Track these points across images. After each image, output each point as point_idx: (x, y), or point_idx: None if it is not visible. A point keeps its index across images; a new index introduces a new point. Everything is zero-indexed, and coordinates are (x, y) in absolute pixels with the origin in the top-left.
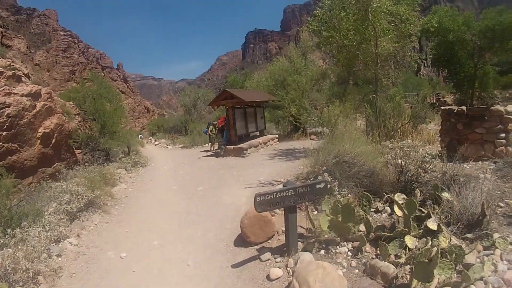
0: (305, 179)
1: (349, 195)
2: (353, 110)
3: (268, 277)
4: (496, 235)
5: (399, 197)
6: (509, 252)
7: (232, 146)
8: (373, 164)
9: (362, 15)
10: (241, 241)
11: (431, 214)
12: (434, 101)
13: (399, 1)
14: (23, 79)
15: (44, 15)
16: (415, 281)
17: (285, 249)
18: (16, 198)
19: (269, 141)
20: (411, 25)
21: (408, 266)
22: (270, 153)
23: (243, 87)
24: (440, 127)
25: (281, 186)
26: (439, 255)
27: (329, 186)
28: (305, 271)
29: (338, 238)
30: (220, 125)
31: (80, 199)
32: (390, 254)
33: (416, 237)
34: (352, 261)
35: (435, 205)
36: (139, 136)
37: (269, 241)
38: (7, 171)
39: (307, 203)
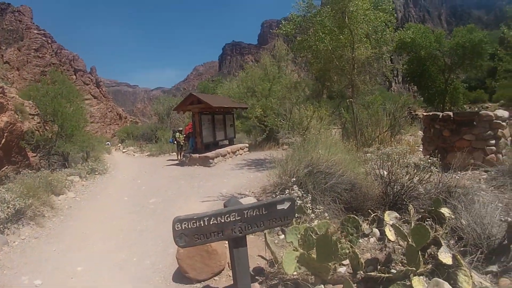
0: (271, 192)
1: (326, 214)
2: (328, 117)
3: None
4: None
5: (390, 216)
6: None
7: (198, 155)
8: (354, 175)
9: (339, 18)
10: (181, 275)
11: (441, 241)
12: (405, 114)
13: (376, 7)
14: None
15: (18, 11)
16: None
17: None
18: None
19: (238, 150)
20: (388, 35)
21: None
22: (238, 163)
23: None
24: (423, 134)
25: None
26: None
27: (298, 204)
28: None
29: (312, 278)
30: (187, 132)
31: (6, 208)
32: None
33: (422, 276)
34: None
35: (437, 226)
36: (107, 143)
37: (215, 278)
38: None
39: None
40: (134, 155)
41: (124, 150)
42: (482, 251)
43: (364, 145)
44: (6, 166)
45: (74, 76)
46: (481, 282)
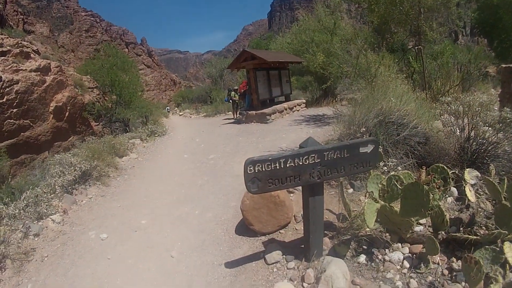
0: None
1: (399, 168)
2: (395, 66)
3: None
4: None
5: (470, 174)
6: None
7: (254, 112)
8: (429, 128)
9: None
10: (245, 227)
11: None
12: (480, 67)
13: None
14: (31, 55)
15: None
16: None
17: (303, 246)
18: (27, 175)
19: (295, 106)
20: None
21: None
22: (296, 119)
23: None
24: (501, 90)
25: None
26: None
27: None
28: None
29: (388, 235)
30: (242, 90)
31: (73, 170)
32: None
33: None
34: (411, 280)
35: None
36: (166, 108)
37: (281, 230)
38: (21, 147)
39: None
40: (190, 117)
41: (180, 113)
42: None
43: (433, 99)
44: (72, 136)
45: (126, 49)
46: None
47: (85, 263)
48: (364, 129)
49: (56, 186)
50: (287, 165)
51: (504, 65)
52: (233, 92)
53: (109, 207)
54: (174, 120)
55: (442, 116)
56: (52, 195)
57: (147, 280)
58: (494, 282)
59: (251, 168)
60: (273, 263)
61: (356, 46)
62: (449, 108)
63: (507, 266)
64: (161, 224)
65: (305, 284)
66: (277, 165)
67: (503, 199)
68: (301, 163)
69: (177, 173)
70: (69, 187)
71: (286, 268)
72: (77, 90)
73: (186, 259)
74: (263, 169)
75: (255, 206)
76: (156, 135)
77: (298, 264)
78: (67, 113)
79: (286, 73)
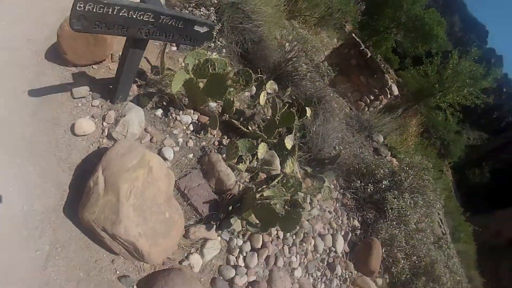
0: (179, 7)
1: (224, 50)
2: None
3: (72, 129)
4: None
5: (271, 86)
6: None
7: None
8: (267, 33)
9: None
10: (57, 54)
11: (293, 131)
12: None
13: None
14: None
15: None
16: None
17: (111, 87)
18: None
19: None
20: None
21: (247, 174)
22: None
23: None
24: (336, 46)
25: None
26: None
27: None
28: (119, 164)
29: (186, 100)
30: None
31: None
32: (235, 156)
33: (266, 144)
34: (190, 140)
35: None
36: None
37: (95, 66)
38: None
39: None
40: None
41: None
42: (311, 155)
43: (290, 14)
44: None
45: None
46: (296, 172)
47: None
48: (216, 1)
49: None
50: (120, 14)
51: (354, 35)
52: None
53: None
54: None
55: (281, 31)
56: None
57: None
58: (242, 163)
59: (81, 5)
60: (79, 98)
61: None
62: (294, 30)
63: (255, 158)
64: None
65: (105, 123)
66: (110, 10)
67: (277, 116)
68: (134, 17)
69: None
70: None
71: (90, 105)
72: None
73: None
74: (94, 10)
75: (74, 36)
76: None
77: (103, 104)
78: None
79: None
